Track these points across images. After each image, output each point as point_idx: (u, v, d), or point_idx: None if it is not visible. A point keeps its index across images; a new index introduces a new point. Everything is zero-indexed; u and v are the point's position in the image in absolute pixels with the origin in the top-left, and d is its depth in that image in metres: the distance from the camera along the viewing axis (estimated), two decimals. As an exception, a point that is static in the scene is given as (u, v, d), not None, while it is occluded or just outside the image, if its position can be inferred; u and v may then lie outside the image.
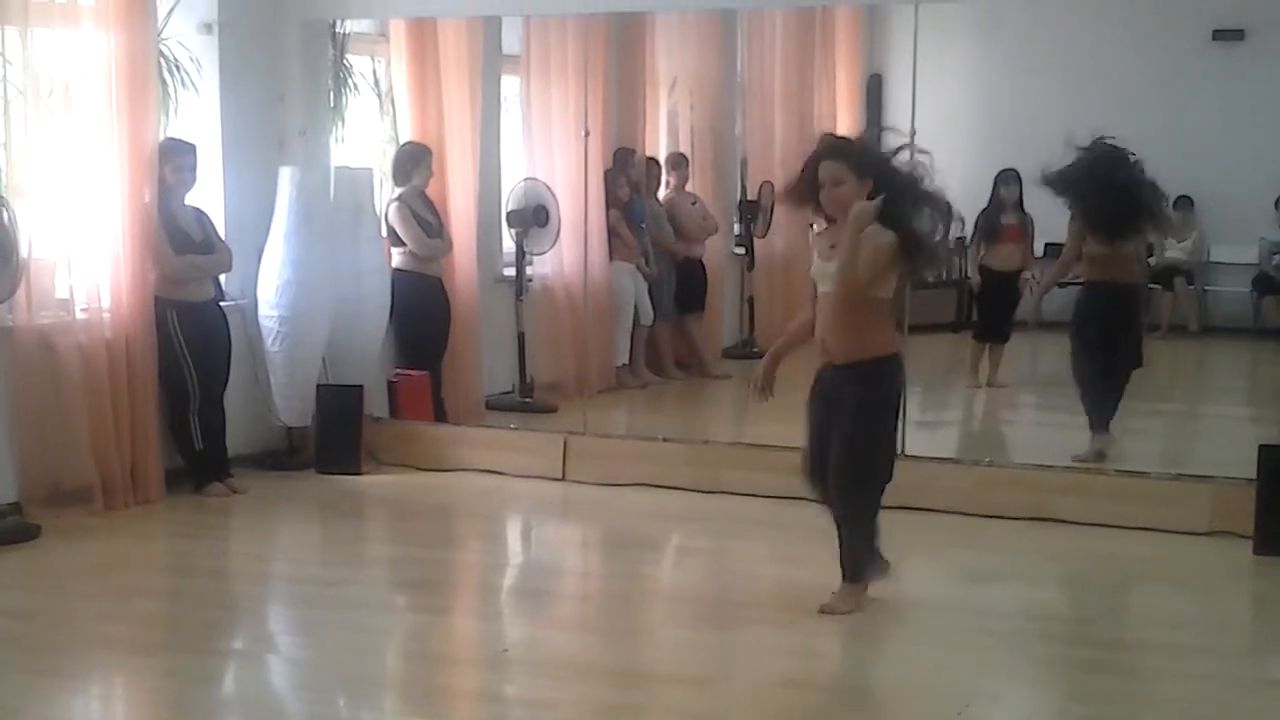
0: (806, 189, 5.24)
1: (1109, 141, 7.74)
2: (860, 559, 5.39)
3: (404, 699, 4.99)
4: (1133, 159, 7.72)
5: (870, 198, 5.09)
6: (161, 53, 7.47)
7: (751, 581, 6.17)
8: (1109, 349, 7.80)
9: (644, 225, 10.21)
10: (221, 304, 7.54)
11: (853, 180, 5.13)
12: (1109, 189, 7.64)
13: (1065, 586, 6.00)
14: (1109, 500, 6.75)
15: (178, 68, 7.66)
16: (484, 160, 9.01)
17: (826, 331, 5.28)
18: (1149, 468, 7.36)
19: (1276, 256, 11.14)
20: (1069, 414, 9.99)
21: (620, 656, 5.21)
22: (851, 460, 5.26)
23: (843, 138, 5.54)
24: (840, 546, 5.39)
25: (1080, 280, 8.07)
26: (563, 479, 7.72)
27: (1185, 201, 10.36)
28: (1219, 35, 11.33)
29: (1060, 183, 7.78)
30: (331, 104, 8.52)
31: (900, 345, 5.42)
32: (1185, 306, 10.73)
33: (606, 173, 9.87)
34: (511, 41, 9.48)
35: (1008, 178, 9.76)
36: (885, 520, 5.53)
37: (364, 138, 9.06)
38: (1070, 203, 7.94)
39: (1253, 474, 6.40)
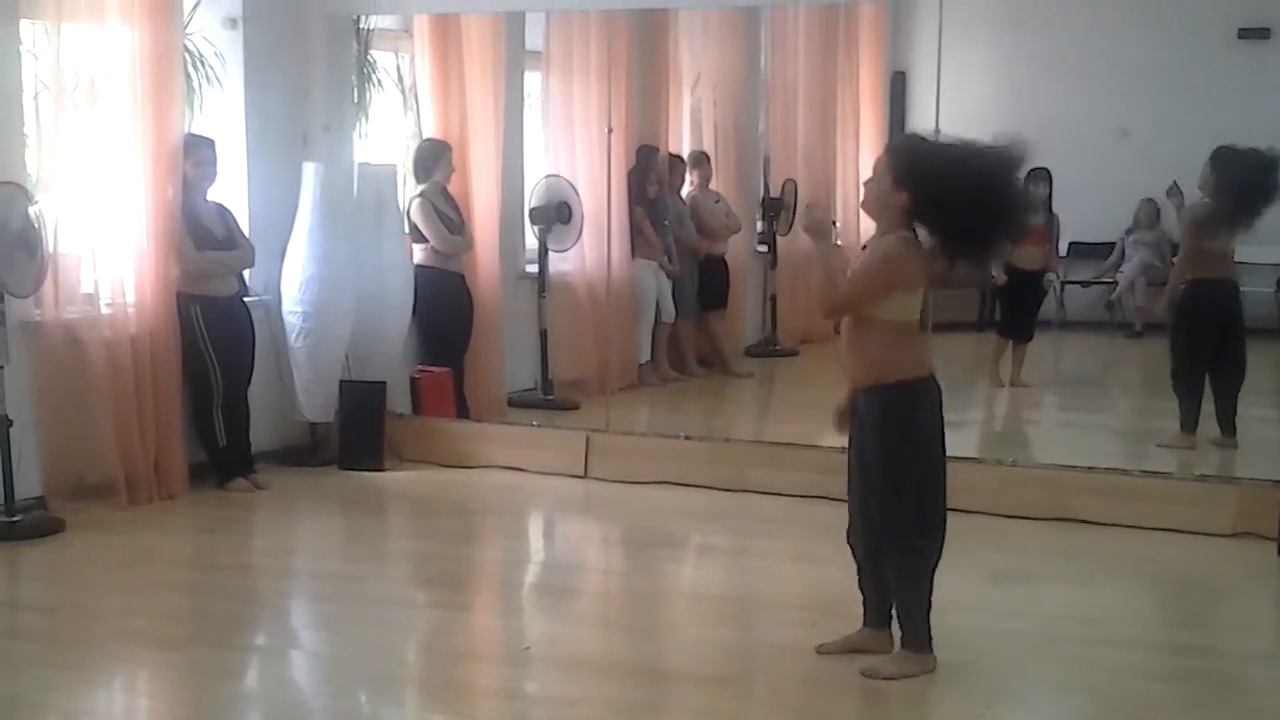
0: None
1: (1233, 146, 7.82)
2: (920, 618, 4.78)
3: (425, 695, 5.00)
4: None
5: (908, 215, 4.60)
6: (186, 48, 7.48)
7: (773, 580, 6.17)
8: (1212, 346, 7.84)
9: (666, 223, 10.20)
10: (245, 299, 7.56)
11: (887, 182, 4.62)
12: (1254, 189, 7.68)
13: (1088, 587, 5.97)
14: (1133, 501, 6.72)
15: (202, 63, 7.67)
16: (507, 156, 9.01)
17: (844, 348, 4.79)
18: (1173, 469, 7.34)
19: (1302, 256, 11.08)
20: (1092, 414, 10.00)
21: (642, 654, 5.21)
22: (892, 515, 4.72)
23: (913, 139, 4.97)
24: (867, 597, 4.94)
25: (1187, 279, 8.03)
26: (585, 476, 7.72)
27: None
28: (1244, 34, 11.28)
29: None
30: (355, 100, 8.53)
31: (926, 368, 4.76)
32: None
33: (631, 171, 9.87)
34: (534, 38, 9.48)
35: (1038, 176, 9.68)
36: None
37: (388, 134, 9.07)
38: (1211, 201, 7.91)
39: (1278, 476, 6.37)
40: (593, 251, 9.46)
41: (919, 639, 4.81)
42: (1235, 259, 8.07)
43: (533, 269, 9.30)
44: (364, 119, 8.68)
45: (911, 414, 4.72)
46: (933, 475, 4.79)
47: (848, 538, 4.96)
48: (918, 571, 4.78)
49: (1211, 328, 7.83)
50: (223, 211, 7.43)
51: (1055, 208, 9.80)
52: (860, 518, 4.88)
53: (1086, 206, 10.81)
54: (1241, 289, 8.16)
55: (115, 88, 6.96)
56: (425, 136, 8.72)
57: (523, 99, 9.50)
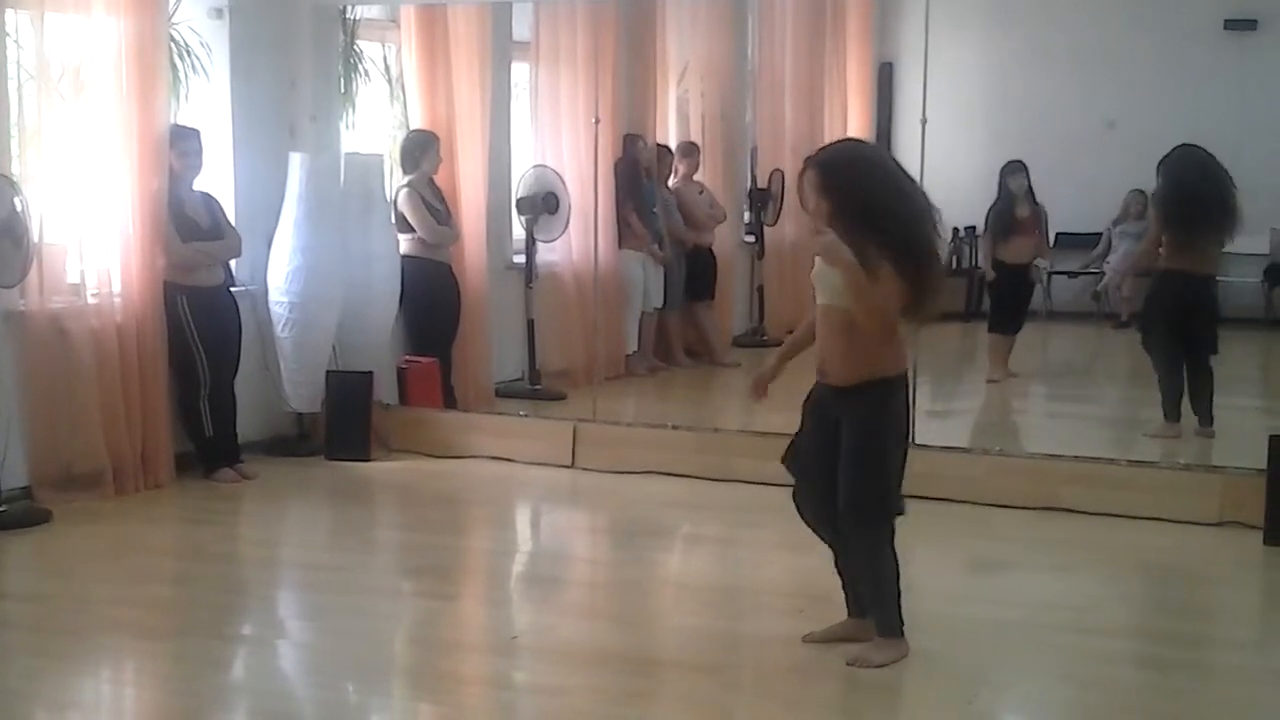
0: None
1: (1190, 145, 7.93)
2: (891, 603, 4.81)
3: (413, 685, 4.99)
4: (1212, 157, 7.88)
5: (834, 220, 4.65)
6: (172, 37, 7.47)
7: (760, 569, 6.17)
8: (1181, 336, 7.85)
9: (655, 211, 10.20)
10: (231, 289, 7.54)
11: (816, 194, 4.66)
12: (1188, 184, 7.77)
13: (1075, 576, 5.99)
14: (1119, 490, 6.74)
15: (188, 52, 7.66)
16: (494, 147, 9.01)
17: (825, 350, 4.80)
18: (1159, 458, 7.35)
19: (1289, 247, 11.10)
20: (1079, 404, 10.02)
21: (629, 644, 5.20)
22: (861, 490, 4.74)
23: (841, 146, 5.05)
24: (846, 585, 4.99)
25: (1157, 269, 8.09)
26: (572, 466, 7.73)
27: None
28: (1231, 25, 11.31)
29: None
30: (342, 90, 8.52)
31: (905, 363, 4.84)
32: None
33: (618, 161, 9.87)
34: (522, 28, 9.48)
35: (1014, 169, 9.68)
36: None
37: (374, 124, 9.06)
38: (1155, 195, 8.06)
39: (1263, 464, 6.38)
40: (580, 242, 9.47)
41: (892, 623, 4.82)
42: (1220, 252, 8.09)
43: (520, 259, 9.31)
44: (351, 109, 8.68)
45: (893, 406, 4.77)
46: (901, 461, 4.84)
47: (813, 528, 4.98)
48: (883, 551, 4.80)
49: (1179, 320, 7.84)
50: (209, 201, 7.41)
51: (1041, 198, 9.79)
52: (828, 508, 4.86)
53: (1073, 197, 10.84)
54: (1222, 279, 8.17)
55: (100, 77, 6.94)
56: (412, 127, 8.70)
57: (510, 89, 9.50)
